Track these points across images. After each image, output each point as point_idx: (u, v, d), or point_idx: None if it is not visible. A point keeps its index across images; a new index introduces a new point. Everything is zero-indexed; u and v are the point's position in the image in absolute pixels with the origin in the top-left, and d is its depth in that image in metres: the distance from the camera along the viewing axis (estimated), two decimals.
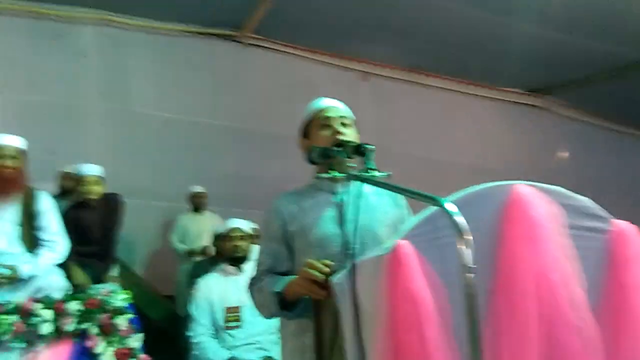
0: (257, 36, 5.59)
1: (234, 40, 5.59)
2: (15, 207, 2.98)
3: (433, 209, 1.15)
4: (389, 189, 1.47)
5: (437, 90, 6.31)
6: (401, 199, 1.73)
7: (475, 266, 1.00)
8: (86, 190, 3.57)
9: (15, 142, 3.01)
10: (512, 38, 5.19)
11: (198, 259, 4.63)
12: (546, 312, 1.12)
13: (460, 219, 1.04)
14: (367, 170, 1.45)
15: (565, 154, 7.06)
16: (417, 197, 1.21)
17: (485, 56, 5.66)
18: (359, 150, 1.50)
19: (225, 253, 3.22)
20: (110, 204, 3.67)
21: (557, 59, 5.59)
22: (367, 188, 1.62)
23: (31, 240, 2.98)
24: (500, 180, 1.25)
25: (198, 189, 5.01)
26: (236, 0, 4.99)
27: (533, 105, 6.81)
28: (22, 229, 2.97)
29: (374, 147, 1.49)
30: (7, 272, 2.77)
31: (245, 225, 3.27)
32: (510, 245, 1.15)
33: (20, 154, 2.98)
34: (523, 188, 1.21)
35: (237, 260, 3.15)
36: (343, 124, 1.66)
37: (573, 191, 1.30)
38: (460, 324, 1.02)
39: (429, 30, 5.17)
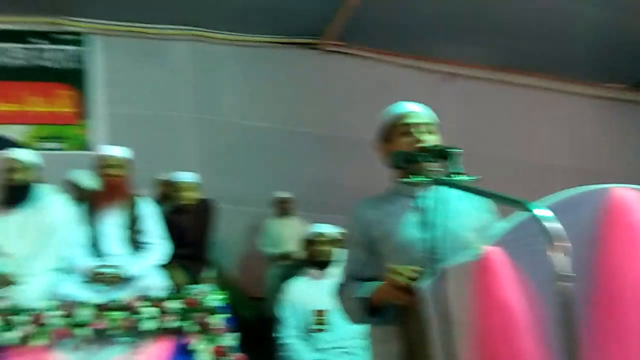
0: (338, 43, 5.65)
1: (316, 48, 5.69)
2: (121, 212, 3.25)
3: (525, 213, 1.12)
4: (475, 193, 1.43)
5: (528, 89, 6.00)
6: (488, 203, 1.67)
7: (571, 274, 0.96)
8: (182, 197, 3.80)
9: (120, 152, 3.28)
10: (610, 30, 4.82)
11: (286, 262, 4.74)
12: None
13: (552, 225, 1.00)
14: (452, 174, 1.43)
15: None
16: (505, 202, 1.18)
17: (581, 50, 5.29)
18: (443, 153, 1.48)
19: (310, 257, 3.29)
20: (205, 209, 3.88)
21: None
22: (453, 193, 1.59)
23: (135, 243, 3.23)
24: (600, 183, 1.18)
25: (284, 194, 5.12)
26: (317, 9, 5.07)
27: (636, 102, 6.27)
28: (127, 233, 3.23)
29: (460, 150, 1.46)
30: (114, 272, 3.03)
31: (329, 230, 3.31)
32: (610, 252, 1.09)
33: (124, 163, 3.25)
34: (623, 191, 1.14)
35: (321, 265, 3.20)
36: (426, 131, 1.63)
37: None
38: (556, 335, 0.98)
39: (516, 25, 4.94)
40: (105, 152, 3.30)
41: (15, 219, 3.06)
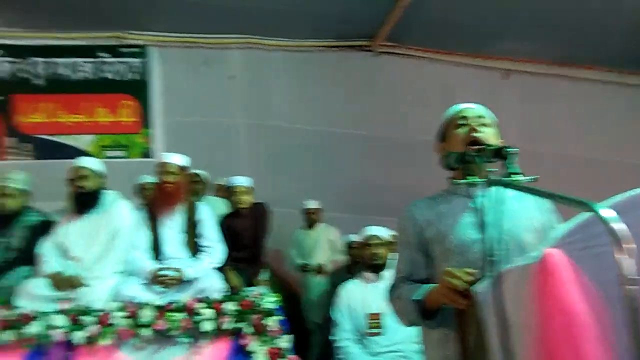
0: (389, 44, 5.61)
1: (368, 50, 5.68)
2: (179, 217, 3.36)
3: (587, 214, 1.07)
4: (534, 194, 1.38)
5: (592, 84, 5.71)
6: (547, 203, 1.61)
7: (638, 277, 0.91)
8: (237, 200, 3.89)
9: (177, 160, 3.39)
10: None
11: (323, 272, 4.70)
12: None
13: (618, 226, 0.95)
14: (509, 174, 1.38)
15: None
16: (567, 202, 1.13)
17: None
18: (499, 153, 1.43)
19: (364, 261, 3.26)
20: (259, 213, 3.96)
21: None
22: (508, 193, 1.54)
23: (193, 246, 3.33)
24: None
25: (311, 204, 5.02)
26: (368, 11, 5.05)
27: None
28: (186, 237, 3.33)
29: (516, 149, 1.40)
30: (174, 274, 3.13)
31: (383, 232, 3.29)
32: None
33: (180, 170, 3.35)
34: None
35: (376, 268, 3.18)
36: (481, 124, 1.61)
37: None
38: (622, 339, 0.93)
39: (578, 17, 4.71)
40: (164, 159, 3.42)
41: (83, 225, 3.22)
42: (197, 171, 4.40)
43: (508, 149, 1.41)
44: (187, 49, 5.51)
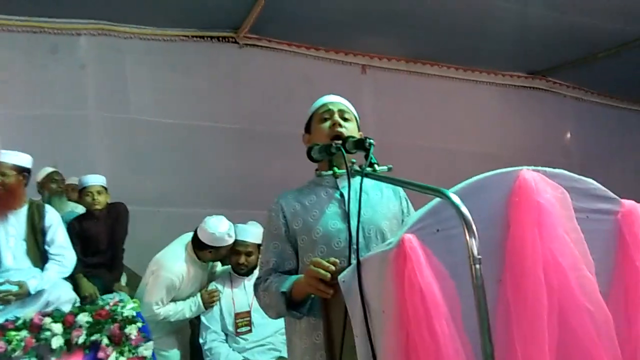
0: (253, 36, 5.57)
1: (231, 42, 5.57)
2: (19, 222, 2.98)
3: (437, 200, 1.14)
4: (391, 183, 1.47)
5: (439, 79, 6.26)
6: (400, 191, 1.72)
7: (481, 257, 0.99)
8: (90, 201, 3.57)
9: (12, 158, 3.00)
10: (510, 20, 5.10)
11: None
12: (557, 298, 1.10)
13: (464, 209, 1.02)
14: (368, 164, 1.45)
15: (570, 135, 6.98)
16: (420, 190, 1.20)
17: (485, 41, 5.58)
18: (360, 145, 1.51)
19: (231, 265, 3.15)
20: (116, 214, 3.66)
21: (557, 39, 5.49)
22: (368, 182, 1.62)
23: (38, 254, 2.99)
24: (506, 166, 1.22)
25: (249, 236, 3.25)
26: (231, 1, 4.96)
27: (535, 88, 6.73)
28: (28, 244, 2.97)
29: (373, 141, 1.49)
30: (15, 288, 2.77)
31: (250, 236, 3.15)
32: (517, 232, 1.13)
33: (14, 170, 2.97)
34: (528, 173, 1.19)
35: (243, 273, 3.10)
36: (343, 118, 1.68)
37: (580, 173, 1.27)
38: (470, 315, 1.01)
39: (427, 18, 5.10)
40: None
41: None
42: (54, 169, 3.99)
43: (368, 141, 1.49)
44: (28, 34, 4.92)
